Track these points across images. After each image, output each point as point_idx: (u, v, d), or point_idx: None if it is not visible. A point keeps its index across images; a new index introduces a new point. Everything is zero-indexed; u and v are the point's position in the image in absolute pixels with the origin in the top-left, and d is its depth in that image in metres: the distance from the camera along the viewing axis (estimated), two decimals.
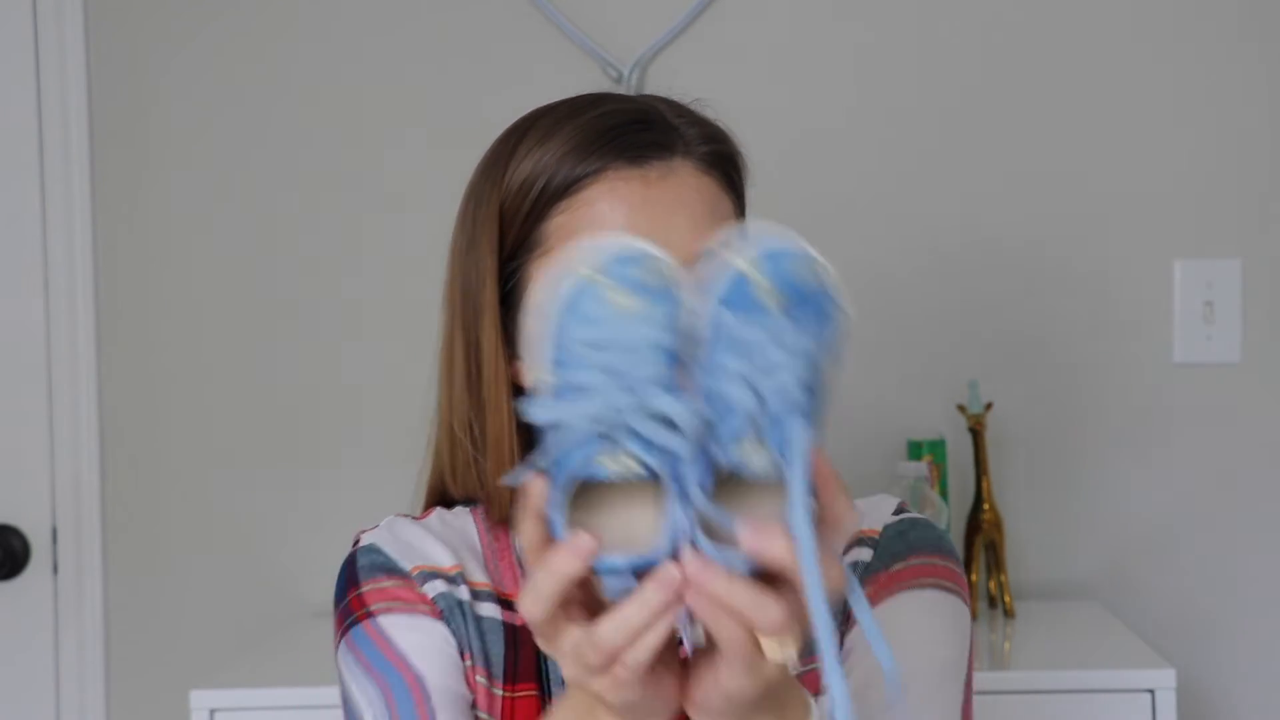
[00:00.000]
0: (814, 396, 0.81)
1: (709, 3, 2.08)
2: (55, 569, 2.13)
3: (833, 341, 0.82)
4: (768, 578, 0.81)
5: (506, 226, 1.11)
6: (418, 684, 1.09)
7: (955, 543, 2.02)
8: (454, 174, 2.12)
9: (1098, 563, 2.08)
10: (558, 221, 1.09)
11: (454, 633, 1.12)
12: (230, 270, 2.14)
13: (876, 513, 1.18)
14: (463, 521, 1.19)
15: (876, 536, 1.15)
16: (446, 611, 1.12)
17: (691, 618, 0.82)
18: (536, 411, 0.81)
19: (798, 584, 0.79)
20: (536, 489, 0.81)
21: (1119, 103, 2.08)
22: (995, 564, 1.97)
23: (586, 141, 1.08)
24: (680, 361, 0.81)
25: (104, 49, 2.13)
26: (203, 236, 2.14)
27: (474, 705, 1.11)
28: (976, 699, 1.14)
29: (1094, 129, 2.08)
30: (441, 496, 1.21)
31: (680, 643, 0.87)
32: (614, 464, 0.79)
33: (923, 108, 2.09)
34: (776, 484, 0.81)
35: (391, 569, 1.15)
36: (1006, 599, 1.96)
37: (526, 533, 0.82)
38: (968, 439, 2.03)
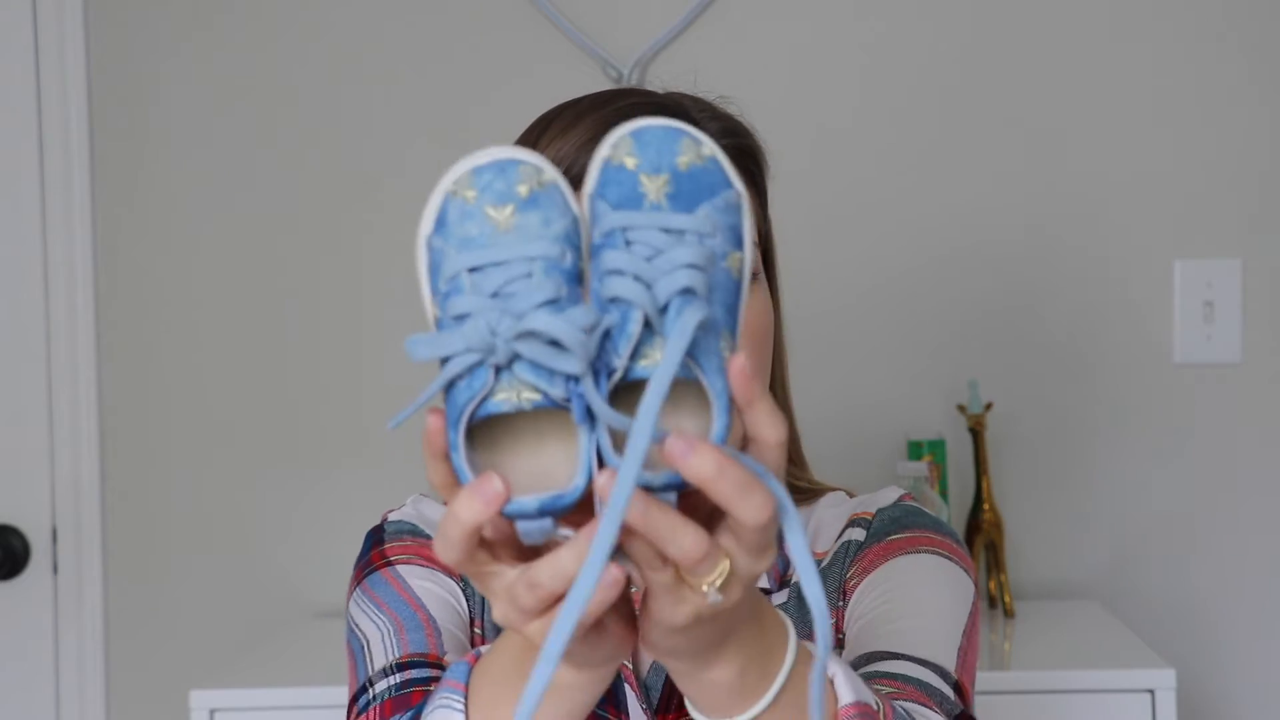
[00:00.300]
0: (712, 283, 0.74)
1: (709, 3, 2.09)
2: (55, 569, 2.13)
3: (729, 216, 0.76)
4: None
5: None
6: (429, 621, 1.10)
7: None
8: None
9: (1098, 563, 2.08)
10: None
11: (468, 598, 1.14)
12: (230, 270, 2.14)
13: (875, 499, 1.19)
14: None
15: (870, 518, 1.16)
16: (464, 577, 1.13)
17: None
18: (415, 349, 0.72)
19: (727, 507, 0.72)
20: (434, 429, 0.74)
21: (1119, 104, 2.08)
22: (995, 564, 1.97)
23: (604, 133, 1.09)
24: (579, 272, 0.74)
25: (104, 48, 2.13)
26: (203, 236, 2.14)
27: None
28: (976, 698, 1.14)
29: (1094, 130, 2.08)
30: None
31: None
32: (507, 395, 0.71)
33: (923, 109, 2.09)
34: (694, 384, 0.73)
35: (416, 533, 1.17)
36: (1006, 599, 1.96)
37: (433, 475, 0.76)
38: (968, 439, 2.03)
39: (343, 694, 1.55)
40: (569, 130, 1.10)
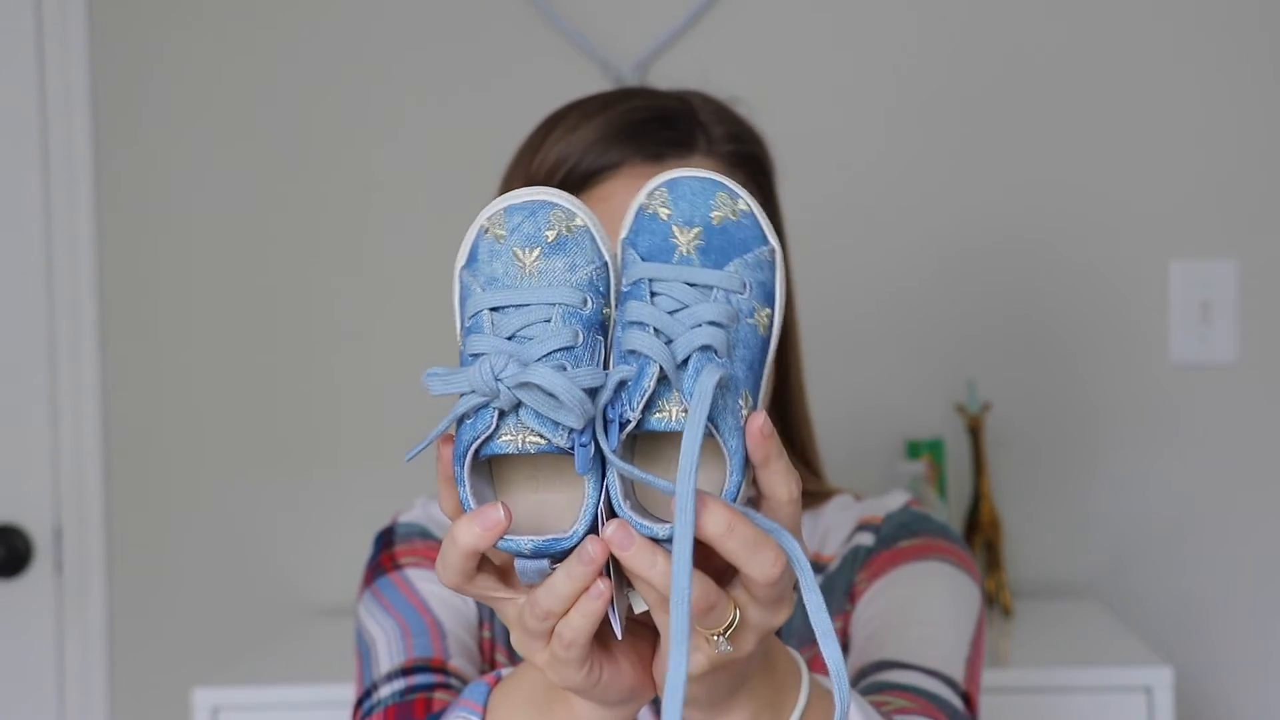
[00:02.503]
0: (735, 340, 0.74)
1: (709, 5, 2.09)
2: (58, 568, 2.14)
3: (759, 273, 0.75)
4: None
5: None
6: (435, 625, 1.10)
7: None
8: (454, 175, 2.14)
9: (1095, 562, 2.08)
10: None
11: (477, 601, 1.13)
12: (233, 271, 2.14)
13: (884, 503, 1.19)
14: None
15: (879, 523, 1.16)
16: None
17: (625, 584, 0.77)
18: (431, 383, 0.73)
19: (737, 563, 0.74)
20: (445, 460, 0.76)
21: (1116, 105, 2.08)
22: (993, 563, 1.98)
23: (609, 135, 1.09)
24: (602, 319, 0.74)
25: (107, 46, 2.14)
26: (206, 237, 2.15)
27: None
28: None
29: (1091, 131, 2.09)
30: None
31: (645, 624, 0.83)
32: (511, 438, 0.72)
33: (922, 111, 2.10)
34: (709, 439, 0.74)
35: (427, 535, 1.17)
36: (1004, 598, 1.96)
37: (444, 502, 0.78)
38: (966, 439, 2.04)
39: (345, 692, 1.57)
40: (574, 131, 1.11)
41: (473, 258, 0.76)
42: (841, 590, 1.15)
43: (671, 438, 0.75)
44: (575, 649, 0.77)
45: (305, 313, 2.14)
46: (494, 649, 1.14)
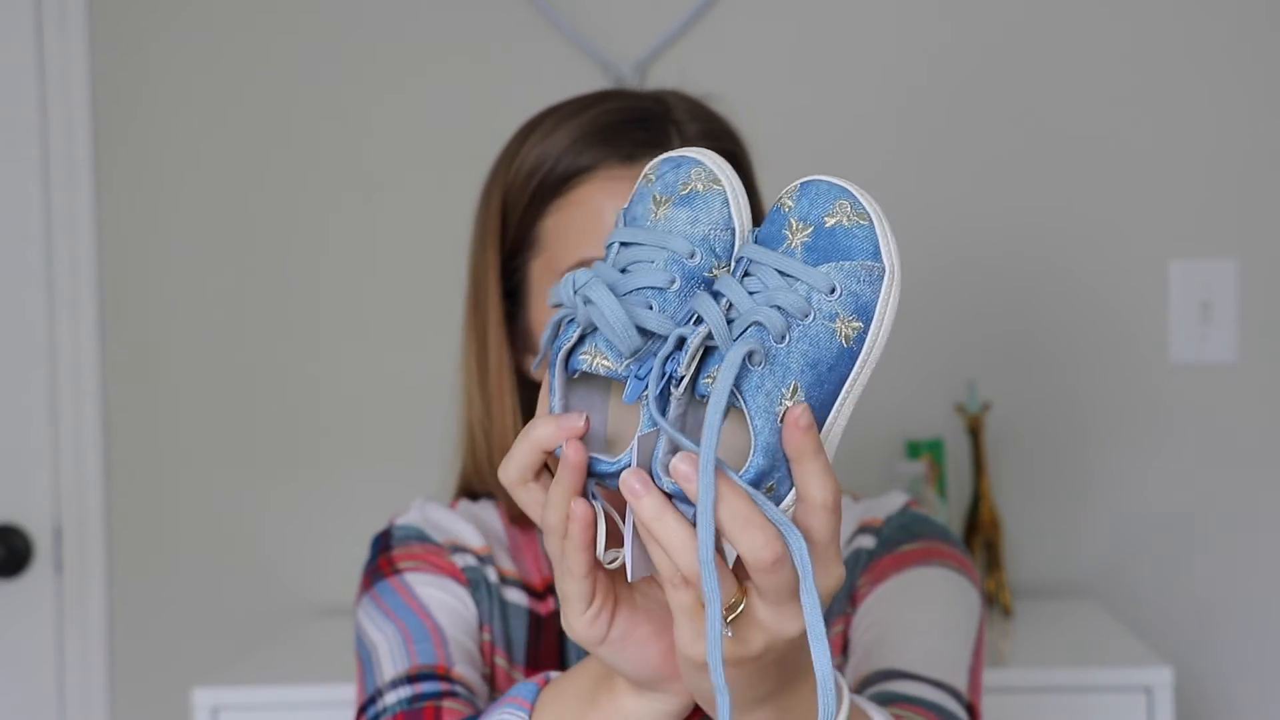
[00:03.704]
0: (800, 334, 0.75)
1: (709, 5, 2.09)
2: (58, 568, 2.14)
3: (854, 286, 0.77)
4: None
5: (508, 221, 1.13)
6: (437, 631, 1.10)
7: None
8: (453, 175, 2.14)
9: (1095, 562, 2.09)
10: (553, 220, 1.10)
11: (477, 603, 1.13)
12: (234, 271, 2.14)
13: (884, 505, 1.19)
14: (487, 513, 1.21)
15: (880, 525, 1.17)
16: (473, 583, 1.14)
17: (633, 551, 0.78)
18: (554, 292, 0.79)
19: (728, 538, 0.74)
20: (545, 371, 0.81)
21: (1115, 104, 2.09)
22: (993, 563, 1.98)
23: (583, 138, 1.10)
24: (707, 275, 0.78)
25: (107, 47, 2.14)
26: (206, 236, 2.15)
27: (490, 681, 1.12)
28: None
29: (1091, 131, 2.09)
30: (469, 491, 1.22)
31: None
32: (588, 356, 0.77)
33: (921, 111, 2.10)
34: (744, 419, 0.76)
35: (424, 538, 1.17)
36: (1004, 598, 1.96)
37: (540, 409, 0.80)
38: (966, 439, 2.04)
39: (345, 692, 1.57)
40: (550, 135, 1.11)
41: (631, 202, 0.82)
42: (843, 594, 1.15)
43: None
44: (572, 580, 0.79)
45: (305, 313, 2.14)
46: (494, 651, 1.14)
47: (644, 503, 0.73)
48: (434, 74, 2.12)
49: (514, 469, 0.79)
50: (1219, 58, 2.08)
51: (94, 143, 2.14)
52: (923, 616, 1.09)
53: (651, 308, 0.76)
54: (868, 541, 1.16)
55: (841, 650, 1.14)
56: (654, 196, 0.80)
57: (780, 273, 0.76)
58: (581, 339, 0.78)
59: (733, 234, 0.79)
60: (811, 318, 0.75)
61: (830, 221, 0.78)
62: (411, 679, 1.07)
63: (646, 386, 0.75)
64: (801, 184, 0.80)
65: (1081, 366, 2.09)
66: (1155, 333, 2.08)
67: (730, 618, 0.75)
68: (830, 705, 0.73)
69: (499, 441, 1.15)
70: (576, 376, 0.79)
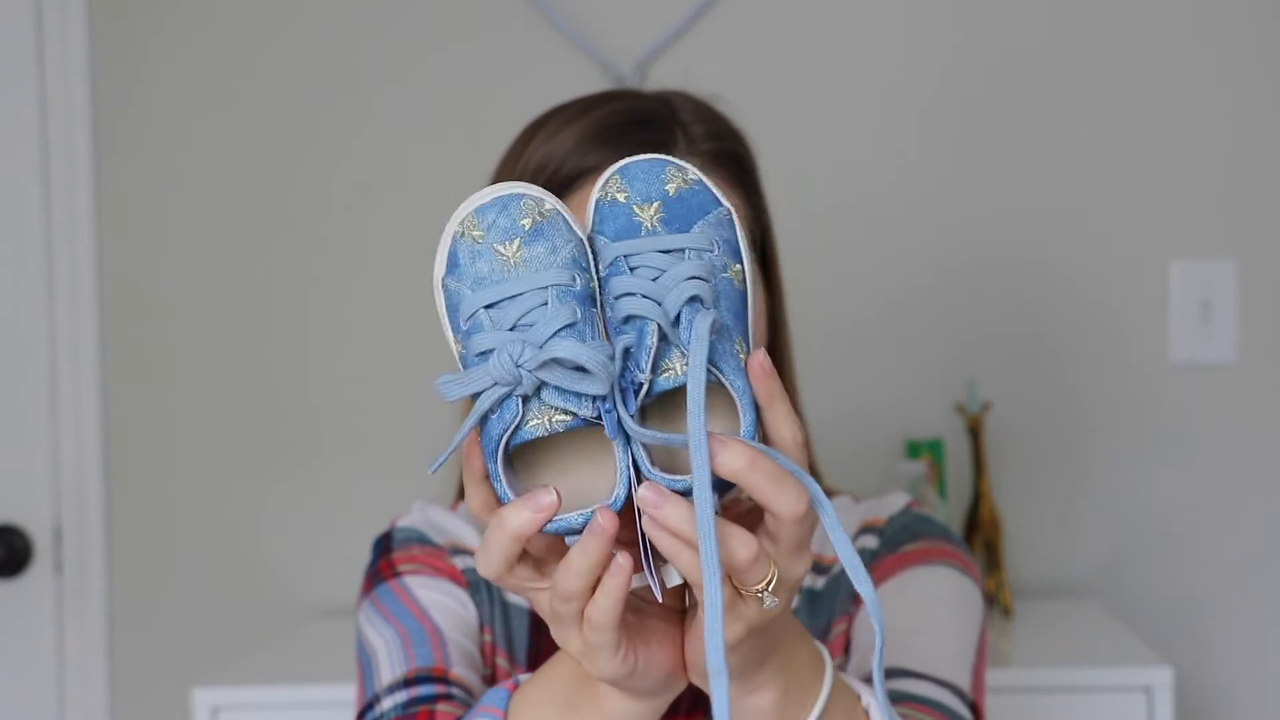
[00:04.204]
0: (718, 293, 0.77)
1: (709, 5, 2.09)
2: (58, 568, 2.14)
3: (722, 230, 0.79)
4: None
5: None
6: (436, 633, 1.10)
7: None
8: (453, 175, 2.14)
9: (1095, 562, 2.09)
10: None
11: (478, 605, 1.13)
12: (233, 270, 2.14)
13: (886, 505, 1.19)
14: None
15: (883, 526, 1.17)
16: (473, 585, 1.14)
17: (658, 558, 0.78)
18: (447, 389, 0.75)
19: (764, 500, 0.75)
20: (472, 458, 0.77)
21: (1115, 104, 2.09)
22: (993, 563, 1.98)
23: (588, 139, 1.10)
24: (591, 294, 0.77)
25: (107, 45, 2.14)
26: (206, 236, 2.15)
27: (491, 682, 1.12)
28: None
29: (1091, 130, 2.09)
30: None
31: (683, 605, 0.84)
32: (538, 422, 0.74)
33: (921, 110, 2.10)
34: (721, 388, 0.77)
35: (425, 540, 1.17)
36: (1004, 598, 1.96)
37: (473, 500, 0.79)
38: (966, 439, 2.04)
39: (345, 692, 1.57)
40: (555, 136, 1.11)
41: (453, 264, 0.78)
42: (846, 593, 1.15)
43: (682, 397, 0.76)
44: (605, 632, 0.77)
45: (306, 313, 2.14)
46: (495, 653, 1.14)
47: (667, 511, 0.74)
48: (433, 74, 2.12)
49: (497, 563, 0.77)
50: (1219, 58, 2.08)
51: (94, 141, 2.14)
52: (926, 616, 1.10)
53: (584, 341, 0.74)
54: (870, 541, 1.16)
55: (844, 650, 1.14)
56: (495, 248, 0.76)
57: (662, 252, 0.77)
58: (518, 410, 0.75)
59: (584, 244, 0.78)
60: (718, 276, 0.77)
61: (672, 189, 0.79)
62: (408, 683, 1.07)
63: (615, 415, 0.74)
64: (618, 171, 0.80)
65: (1081, 366, 2.09)
66: (1155, 333, 2.08)
67: (771, 587, 0.76)
68: (881, 621, 0.76)
69: None
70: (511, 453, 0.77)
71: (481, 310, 0.76)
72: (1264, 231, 2.08)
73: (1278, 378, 2.08)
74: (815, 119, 2.10)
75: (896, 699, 1.04)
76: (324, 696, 1.71)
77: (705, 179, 0.80)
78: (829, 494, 1.22)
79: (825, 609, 1.15)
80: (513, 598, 1.15)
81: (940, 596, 1.12)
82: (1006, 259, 2.09)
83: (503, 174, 1.15)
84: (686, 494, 0.74)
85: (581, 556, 0.75)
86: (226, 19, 2.14)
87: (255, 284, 2.14)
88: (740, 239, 0.80)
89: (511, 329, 0.75)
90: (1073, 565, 2.09)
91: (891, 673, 1.06)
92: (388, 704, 1.06)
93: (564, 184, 1.10)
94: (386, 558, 1.16)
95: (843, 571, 1.16)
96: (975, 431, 1.98)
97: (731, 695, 0.84)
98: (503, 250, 0.76)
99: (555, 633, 0.80)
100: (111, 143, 2.15)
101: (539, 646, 1.14)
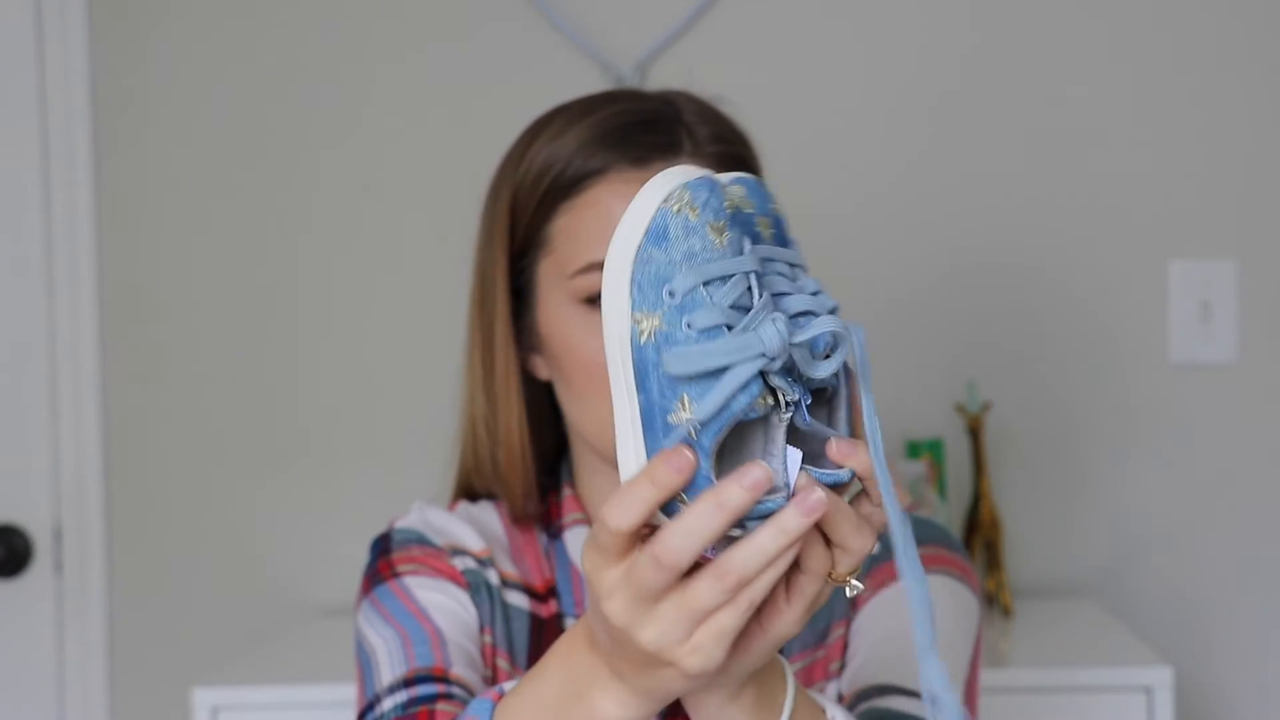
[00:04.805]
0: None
1: (709, 5, 2.09)
2: (58, 568, 2.14)
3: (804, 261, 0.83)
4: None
5: (516, 221, 1.13)
6: (436, 634, 1.09)
7: None
8: (452, 175, 2.14)
9: (1095, 561, 2.09)
10: (562, 222, 1.10)
11: (478, 605, 1.13)
12: (233, 270, 2.14)
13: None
14: (486, 515, 1.20)
15: (883, 530, 1.16)
16: (473, 586, 1.14)
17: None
18: (688, 361, 0.74)
19: (873, 495, 0.79)
20: (683, 458, 0.74)
21: (1116, 103, 2.09)
22: (993, 563, 1.98)
23: (593, 140, 1.10)
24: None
25: (107, 45, 2.14)
26: (206, 236, 2.15)
27: (492, 684, 1.12)
28: None
29: (1091, 130, 2.09)
30: (468, 491, 1.22)
31: None
32: (762, 401, 0.74)
33: (921, 110, 2.10)
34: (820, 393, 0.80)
35: (424, 541, 1.16)
36: (1004, 598, 1.96)
37: (640, 502, 0.74)
38: (966, 439, 2.04)
39: (345, 692, 1.57)
40: (559, 136, 1.11)
41: (660, 235, 0.77)
42: (846, 597, 1.15)
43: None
44: (742, 615, 0.75)
45: (305, 313, 2.14)
46: (495, 654, 1.13)
47: (833, 501, 0.76)
48: (433, 74, 2.12)
49: (699, 543, 0.73)
50: (1219, 58, 2.08)
51: (94, 141, 2.14)
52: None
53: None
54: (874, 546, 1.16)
55: (841, 653, 1.14)
56: (710, 226, 0.76)
57: (790, 264, 0.79)
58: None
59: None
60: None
61: (775, 209, 0.82)
62: (408, 683, 1.06)
63: (798, 403, 0.76)
64: (741, 182, 0.81)
65: (1081, 366, 2.09)
66: (1155, 333, 2.08)
67: (857, 576, 0.79)
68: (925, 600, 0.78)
69: (504, 440, 1.15)
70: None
71: (700, 287, 0.75)
72: (1264, 231, 2.08)
73: (1278, 378, 2.08)
74: (815, 120, 2.10)
75: (887, 717, 1.03)
76: (324, 696, 1.71)
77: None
78: None
79: (824, 611, 1.15)
80: (513, 600, 1.14)
81: (934, 608, 1.11)
82: (1006, 259, 2.09)
83: (506, 173, 1.14)
84: (832, 488, 0.76)
85: (777, 535, 0.73)
86: (226, 19, 2.14)
87: (255, 284, 2.14)
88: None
89: (731, 309, 0.75)
90: (1073, 565, 2.09)
91: (884, 690, 1.05)
92: (388, 704, 1.06)
93: (569, 185, 1.09)
94: (385, 558, 1.16)
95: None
96: (975, 431, 1.98)
97: (720, 700, 0.84)
98: (714, 230, 0.76)
99: (654, 632, 0.75)
100: (111, 143, 2.15)
101: (539, 648, 1.13)
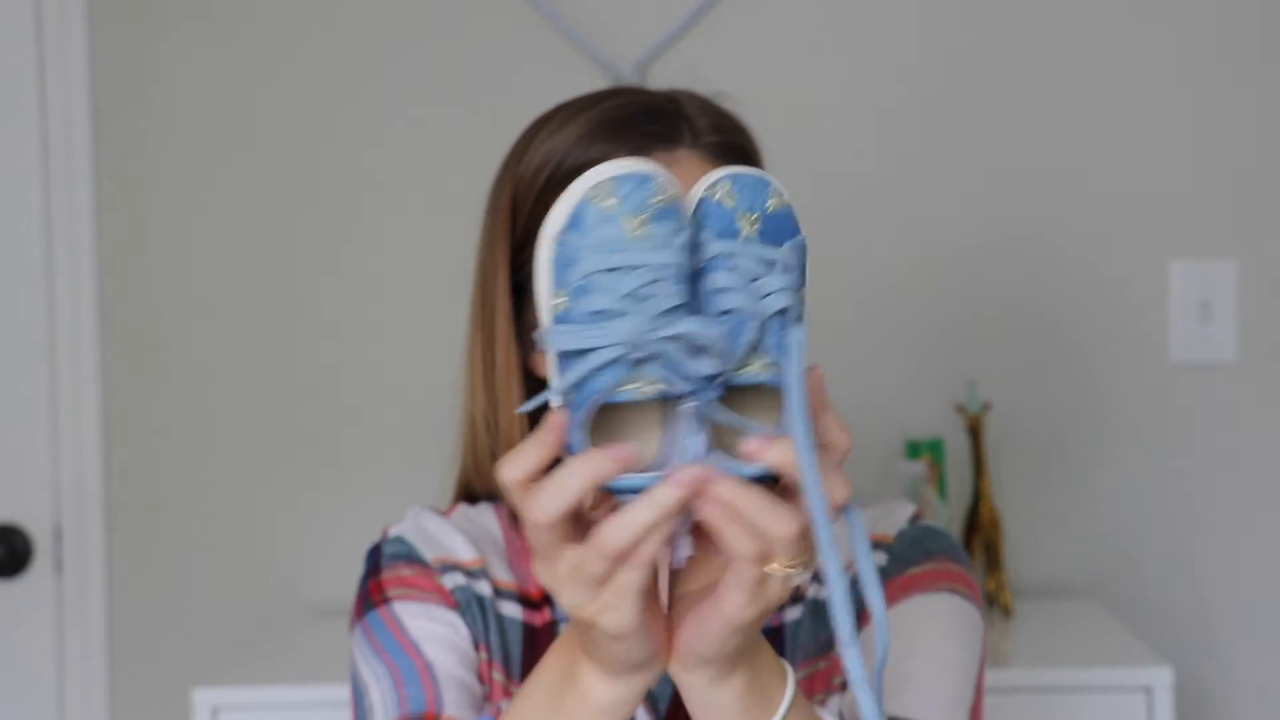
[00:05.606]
0: (800, 306, 0.84)
1: (709, 5, 2.09)
2: (58, 568, 2.14)
3: (800, 256, 0.86)
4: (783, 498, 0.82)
5: (517, 215, 1.12)
6: (427, 670, 1.09)
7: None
8: (452, 176, 2.14)
9: (1095, 562, 2.09)
10: None
11: (469, 625, 1.12)
12: (233, 270, 2.14)
13: (892, 518, 1.18)
14: (485, 518, 1.20)
15: (891, 542, 1.16)
16: (463, 604, 1.13)
17: (677, 537, 0.83)
18: (560, 339, 0.81)
19: (801, 494, 0.80)
20: (559, 417, 0.81)
21: (1116, 103, 2.09)
22: (993, 563, 1.98)
23: (593, 131, 1.09)
24: (692, 283, 0.83)
25: (107, 42, 2.14)
26: (206, 235, 2.15)
27: (489, 699, 1.12)
28: None
29: (1092, 130, 2.09)
30: (468, 491, 1.21)
31: (667, 583, 0.88)
32: (635, 386, 0.80)
33: (921, 110, 2.10)
34: (774, 392, 0.83)
35: (413, 557, 1.16)
36: (1004, 598, 1.96)
37: (525, 463, 0.81)
38: (966, 438, 2.04)
39: (345, 692, 1.56)
40: (560, 130, 1.11)
41: (577, 222, 0.83)
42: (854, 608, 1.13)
43: (742, 394, 0.84)
44: (641, 571, 0.80)
45: (305, 313, 2.14)
46: (491, 668, 1.13)
47: (723, 486, 0.78)
48: (433, 74, 2.12)
49: (559, 504, 0.79)
50: (1220, 58, 2.08)
51: (94, 143, 2.14)
52: (923, 651, 1.09)
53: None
54: (879, 559, 1.15)
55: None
56: (624, 218, 0.82)
57: (760, 260, 0.83)
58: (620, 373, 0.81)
59: (689, 236, 0.84)
60: (797, 294, 0.85)
61: (771, 206, 0.85)
62: None
63: (696, 394, 0.80)
64: (730, 177, 0.85)
65: (1082, 366, 2.09)
66: (1155, 333, 2.08)
67: (801, 566, 0.81)
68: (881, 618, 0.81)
69: (505, 437, 1.14)
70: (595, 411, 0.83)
71: (600, 273, 0.81)
72: (1264, 231, 2.08)
73: (1278, 378, 2.08)
74: (815, 119, 2.10)
75: None
76: (324, 696, 1.71)
77: (792, 206, 0.87)
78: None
79: (828, 621, 1.14)
80: (506, 610, 1.14)
81: (940, 630, 1.11)
82: (1007, 259, 2.09)
83: (508, 169, 1.14)
84: (760, 480, 0.80)
85: (650, 510, 0.78)
86: (227, 19, 2.14)
87: (255, 284, 2.14)
88: (807, 267, 0.87)
89: (625, 296, 0.80)
90: (1073, 565, 2.09)
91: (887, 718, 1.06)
92: None
93: (568, 176, 1.09)
94: (376, 578, 1.15)
95: (849, 587, 1.15)
96: (975, 431, 1.98)
97: (705, 682, 0.86)
98: (631, 222, 0.81)
99: (568, 595, 0.81)
100: (111, 143, 2.15)
101: (534, 658, 1.13)
